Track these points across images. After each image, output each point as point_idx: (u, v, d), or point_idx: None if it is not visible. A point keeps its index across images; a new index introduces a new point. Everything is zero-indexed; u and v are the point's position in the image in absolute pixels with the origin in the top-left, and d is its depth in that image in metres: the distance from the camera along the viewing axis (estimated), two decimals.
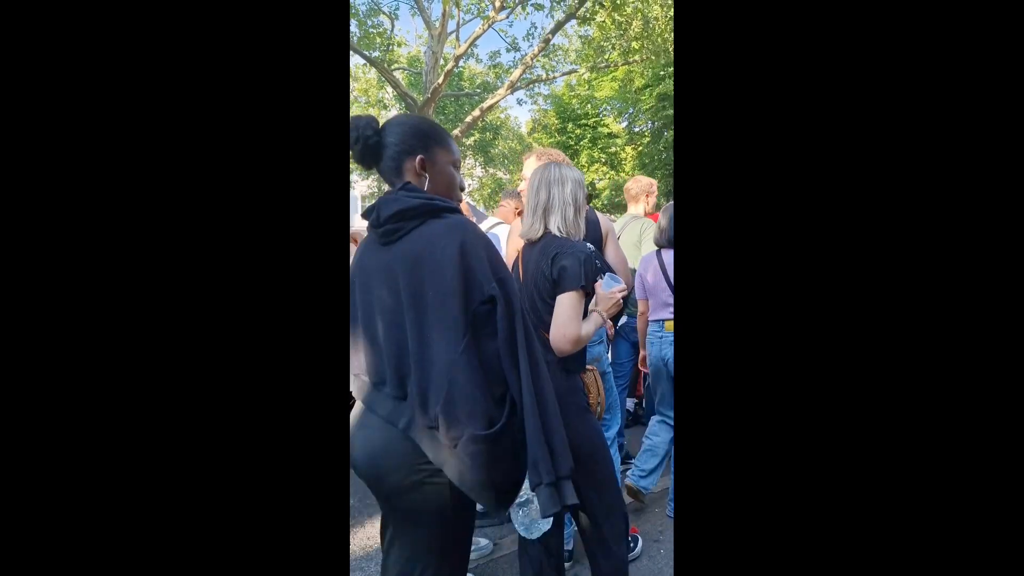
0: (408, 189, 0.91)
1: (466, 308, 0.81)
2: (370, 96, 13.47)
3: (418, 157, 0.93)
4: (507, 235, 2.01)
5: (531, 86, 11.25)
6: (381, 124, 0.96)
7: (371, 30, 9.11)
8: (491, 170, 14.85)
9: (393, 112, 13.28)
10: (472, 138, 12.08)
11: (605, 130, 13.61)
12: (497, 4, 8.39)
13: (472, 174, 14.43)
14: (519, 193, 2.36)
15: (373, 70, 10.60)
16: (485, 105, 9.19)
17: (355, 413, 0.96)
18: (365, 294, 0.93)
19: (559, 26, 8.62)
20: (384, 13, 9.28)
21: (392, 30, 9.53)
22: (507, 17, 8.77)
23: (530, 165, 1.73)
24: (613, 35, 8.43)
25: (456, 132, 9.43)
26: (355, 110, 13.59)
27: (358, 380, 0.96)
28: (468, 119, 9.44)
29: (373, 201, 0.94)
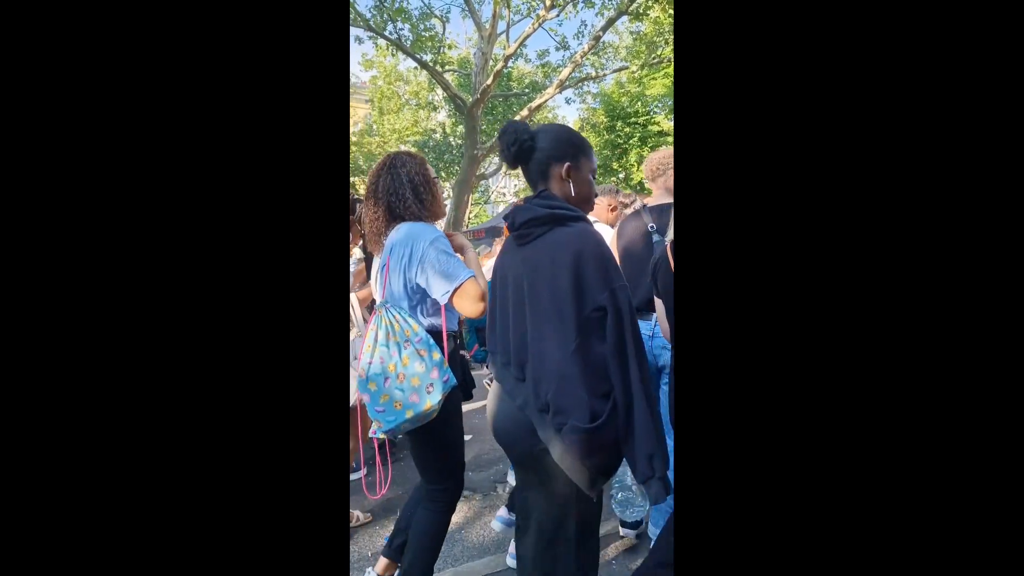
0: (543, 197, 1.02)
1: (578, 314, 0.90)
2: (420, 98, 13.77)
3: (566, 165, 1.04)
4: (610, 236, 1.93)
5: (580, 85, 11.13)
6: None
7: (423, 33, 9.30)
8: None
9: (443, 114, 13.51)
10: None
11: (656, 128, 13.23)
12: (548, 3, 8.35)
13: (519, 174, 14.46)
14: (614, 189, 2.31)
15: (424, 73, 10.82)
16: (533, 105, 9.16)
17: (492, 387, 1.12)
18: (502, 287, 1.07)
19: (610, 23, 8.46)
20: (436, 16, 9.46)
21: (443, 33, 9.69)
22: (557, 15, 8.71)
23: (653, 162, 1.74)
24: (667, 30, 8.17)
25: None
26: (406, 113, 13.94)
27: (494, 358, 1.11)
28: (516, 119, 9.44)
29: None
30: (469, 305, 1.18)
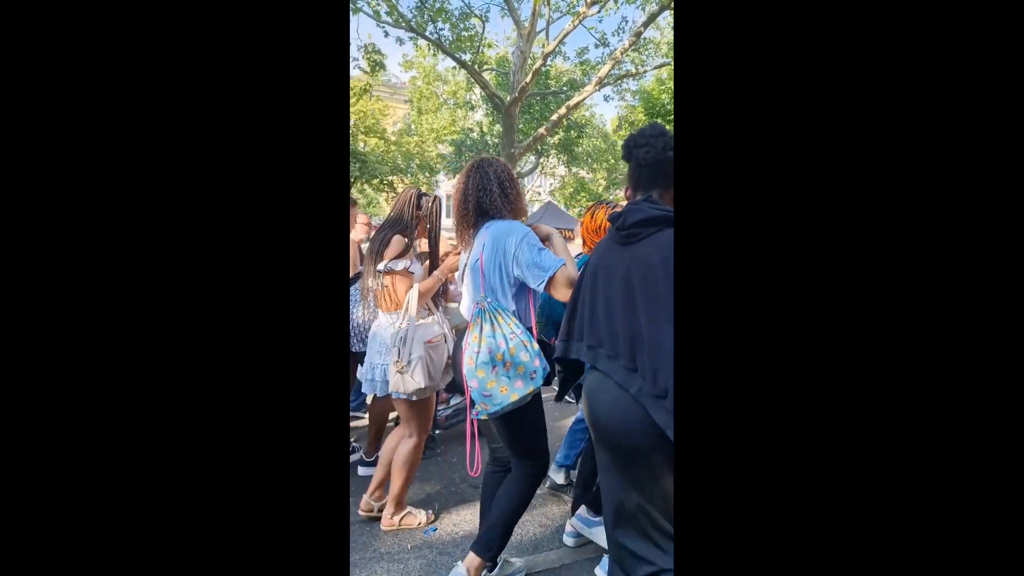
0: (650, 201, 1.10)
1: None
2: (458, 98, 13.89)
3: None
4: None
5: (619, 82, 10.94)
6: None
7: (462, 33, 9.37)
8: (574, 169, 14.70)
9: (480, 113, 13.58)
10: (556, 136, 12.00)
11: None
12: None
13: (555, 173, 14.38)
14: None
15: (462, 72, 10.90)
16: (571, 103, 9.07)
17: (593, 379, 1.14)
18: (605, 284, 1.11)
19: (652, 18, 8.27)
20: (476, 16, 9.51)
21: (483, 32, 9.73)
22: (598, 12, 8.59)
23: None
24: None
25: (541, 130, 9.41)
26: (444, 112, 14.10)
27: (593, 351, 1.14)
28: (554, 117, 9.36)
29: None
30: (563, 291, 1.29)
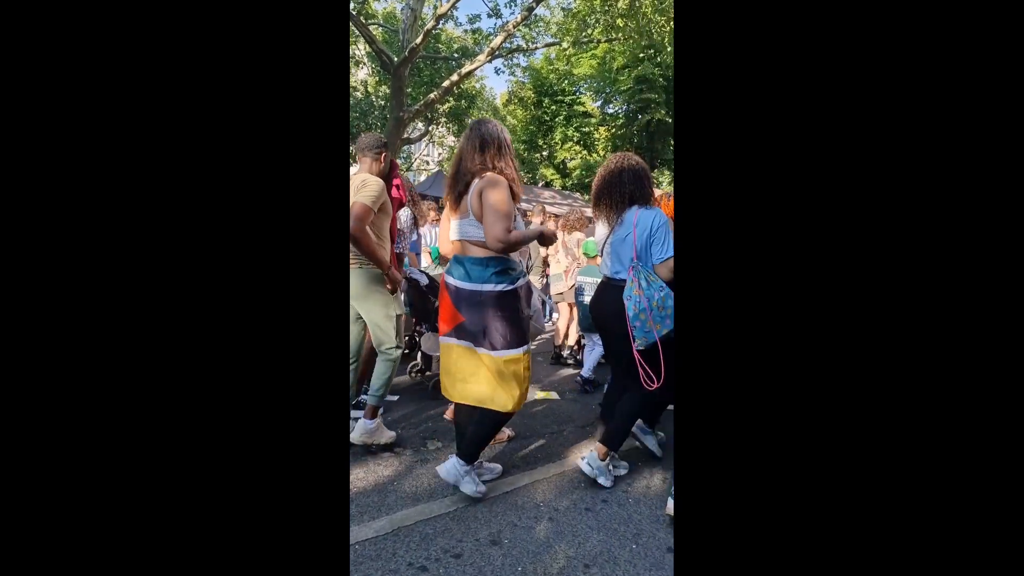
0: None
1: None
2: None
3: None
4: None
5: (511, 56, 10.99)
6: None
7: None
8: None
9: (364, 71, 12.32)
10: (446, 105, 11.57)
11: (580, 108, 13.64)
12: None
13: (444, 142, 13.88)
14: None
15: None
16: (464, 70, 8.71)
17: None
18: None
19: None
20: None
21: None
22: None
23: None
24: (597, 8, 8.34)
25: (433, 95, 8.88)
26: None
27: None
28: (446, 84, 8.87)
29: None
30: (667, 273, 1.85)
